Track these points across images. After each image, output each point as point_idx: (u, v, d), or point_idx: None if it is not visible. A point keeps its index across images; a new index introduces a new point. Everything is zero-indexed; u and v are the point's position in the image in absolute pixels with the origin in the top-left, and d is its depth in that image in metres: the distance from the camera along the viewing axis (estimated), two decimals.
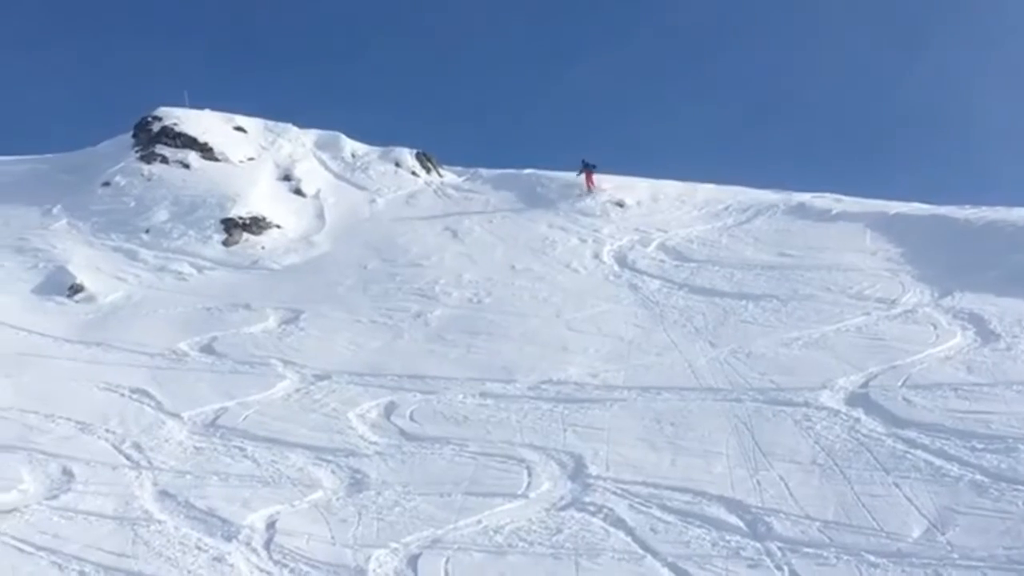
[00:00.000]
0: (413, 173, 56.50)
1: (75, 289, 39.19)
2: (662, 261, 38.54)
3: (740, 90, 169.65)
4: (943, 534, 16.43)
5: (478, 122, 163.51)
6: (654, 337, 29.49)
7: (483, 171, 56.66)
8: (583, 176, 48.06)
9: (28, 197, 51.26)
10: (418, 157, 58.12)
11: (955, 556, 15.74)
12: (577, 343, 29.44)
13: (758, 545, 16.62)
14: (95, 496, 20.44)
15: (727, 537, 17.02)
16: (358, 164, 57.62)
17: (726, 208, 45.79)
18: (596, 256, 39.92)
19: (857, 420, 21.51)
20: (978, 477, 18.21)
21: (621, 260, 39.10)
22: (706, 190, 49.64)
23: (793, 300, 31.43)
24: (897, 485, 18.34)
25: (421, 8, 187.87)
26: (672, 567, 16.13)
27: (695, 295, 33.50)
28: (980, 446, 19.42)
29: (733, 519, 17.69)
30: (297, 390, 27.45)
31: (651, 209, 46.72)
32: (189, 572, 17.12)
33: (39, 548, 17.97)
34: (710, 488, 18.97)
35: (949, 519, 16.89)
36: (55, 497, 20.42)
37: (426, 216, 48.71)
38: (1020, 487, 17.60)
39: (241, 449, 23.15)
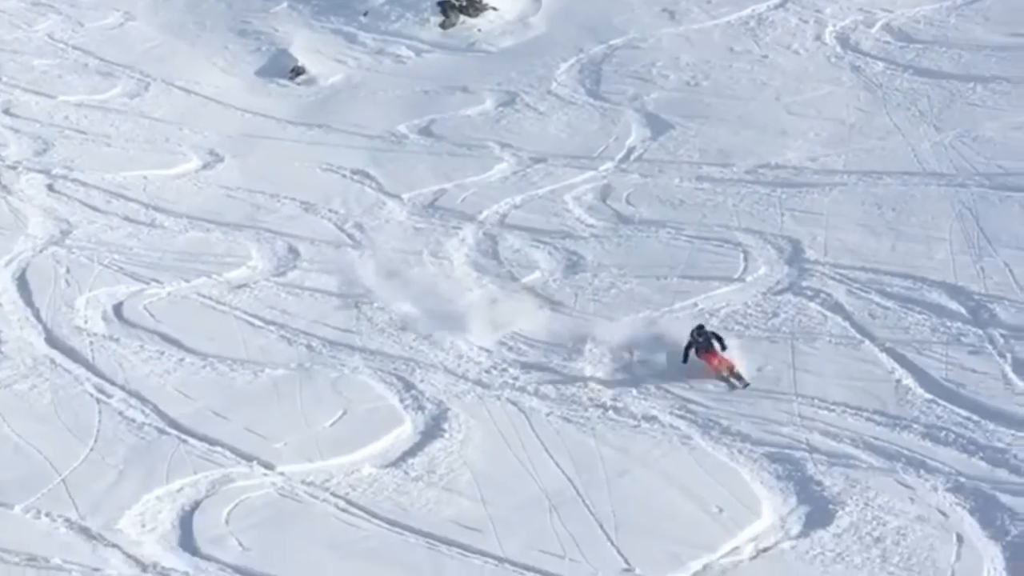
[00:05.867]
0: None
1: (297, 71, 39.77)
2: (886, 42, 37.17)
3: None
4: None
5: None
6: (876, 120, 28.77)
7: None
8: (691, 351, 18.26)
9: None
10: None
11: None
12: (796, 127, 28.92)
13: (980, 332, 16.41)
14: (319, 274, 21.19)
15: (948, 323, 16.83)
16: None
17: None
18: (817, 37, 38.64)
19: None
20: None
21: (843, 41, 37.83)
22: None
23: None
24: None
25: None
26: (890, 352, 16.09)
27: (920, 77, 32.38)
28: None
29: (954, 305, 17.46)
30: (514, 172, 27.71)
31: None
32: (410, 347, 17.72)
33: (268, 323, 18.78)
34: (931, 274, 18.72)
35: None
36: (282, 274, 21.23)
37: None
38: None
39: (460, 230, 23.57)
